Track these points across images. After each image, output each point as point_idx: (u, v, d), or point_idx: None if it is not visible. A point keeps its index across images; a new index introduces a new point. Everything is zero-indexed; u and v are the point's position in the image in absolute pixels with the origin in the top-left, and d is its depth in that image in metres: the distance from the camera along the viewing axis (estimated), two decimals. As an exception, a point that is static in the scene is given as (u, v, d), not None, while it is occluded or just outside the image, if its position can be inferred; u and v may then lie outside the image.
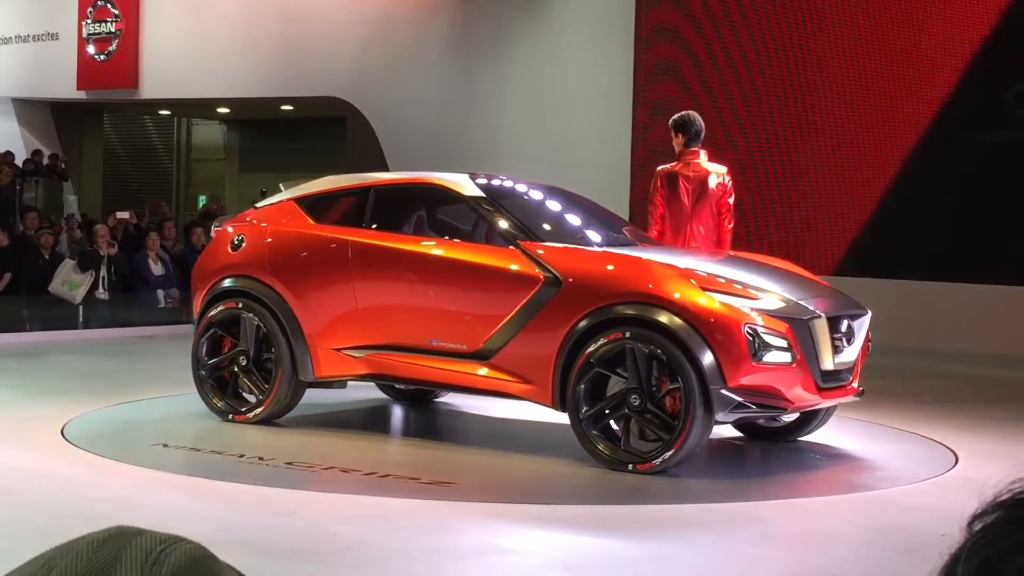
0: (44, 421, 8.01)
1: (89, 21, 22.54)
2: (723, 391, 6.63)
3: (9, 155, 22.11)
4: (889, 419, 8.94)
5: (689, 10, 15.58)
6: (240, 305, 8.20)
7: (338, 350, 7.89)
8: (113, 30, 22.18)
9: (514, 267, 7.25)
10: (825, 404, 7.35)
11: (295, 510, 5.99)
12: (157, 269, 14.80)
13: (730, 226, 8.76)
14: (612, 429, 6.90)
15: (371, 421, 8.68)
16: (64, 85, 23.00)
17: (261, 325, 8.10)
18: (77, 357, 11.82)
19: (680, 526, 5.96)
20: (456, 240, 7.68)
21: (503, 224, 7.50)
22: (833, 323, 7.07)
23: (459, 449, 7.87)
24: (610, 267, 7.11)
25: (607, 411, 6.89)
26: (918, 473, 7.23)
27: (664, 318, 6.73)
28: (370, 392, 9.16)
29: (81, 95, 23.10)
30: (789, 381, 6.81)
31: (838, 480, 7.17)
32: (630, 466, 6.76)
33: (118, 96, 22.95)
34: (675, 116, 8.89)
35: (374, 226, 8.01)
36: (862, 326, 7.38)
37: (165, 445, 7.37)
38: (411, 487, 6.54)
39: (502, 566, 5.20)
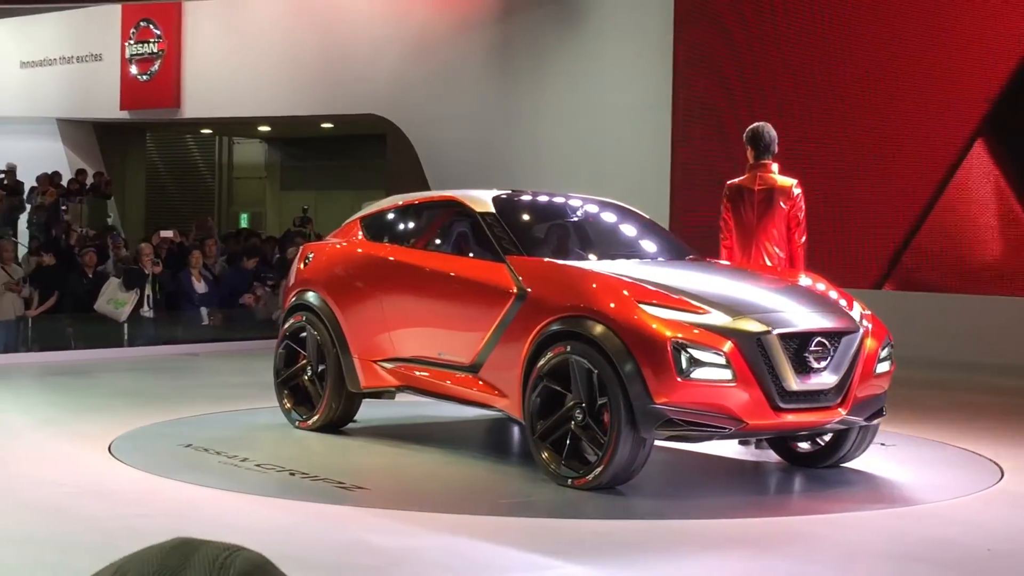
0: (91, 438, 8.10)
1: (132, 42, 22.80)
2: (649, 407, 6.41)
3: (56, 175, 22.38)
4: (933, 433, 8.90)
5: (726, 23, 15.59)
6: (304, 319, 8.60)
7: (375, 362, 8.17)
8: (155, 51, 22.42)
9: (498, 281, 7.33)
10: (798, 426, 6.80)
11: (340, 525, 6.02)
12: (200, 287, 14.93)
13: (802, 240, 8.27)
14: (562, 443, 6.80)
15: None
16: (107, 105, 23.27)
17: (319, 338, 8.41)
18: (123, 375, 11.94)
19: (721, 541, 5.96)
20: (457, 255, 7.86)
21: (497, 239, 7.61)
22: (803, 340, 6.66)
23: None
24: (564, 281, 7.09)
25: (558, 425, 6.81)
26: (963, 487, 7.19)
27: (594, 331, 6.63)
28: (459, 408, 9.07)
29: (124, 115, 23.36)
30: (731, 399, 6.44)
31: (881, 494, 7.11)
32: (569, 481, 6.69)
33: (160, 116, 23.20)
34: (748, 128, 8.57)
35: (409, 243, 8.35)
36: (849, 345, 6.83)
37: (209, 455, 7.45)
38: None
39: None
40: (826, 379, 6.72)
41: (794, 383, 6.58)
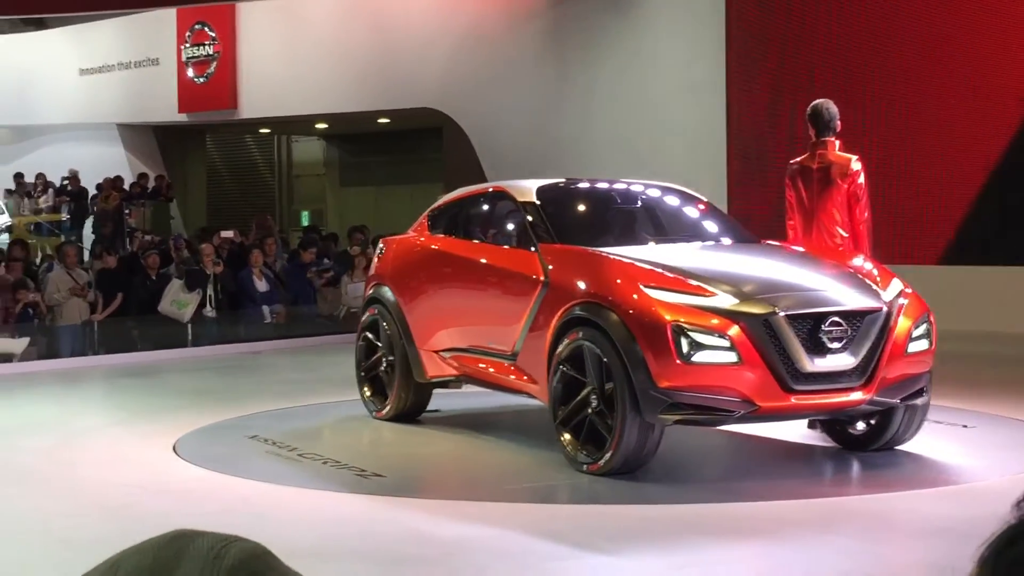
0: (156, 437, 8.23)
1: (187, 45, 23.03)
2: (652, 392, 6.34)
3: (118, 180, 22.69)
4: (995, 407, 8.80)
5: (779, 3, 15.47)
6: (376, 312, 8.80)
7: (436, 352, 8.28)
8: (211, 53, 22.63)
9: (529, 270, 7.37)
10: (816, 408, 6.64)
11: (397, 517, 6.07)
12: (262, 286, 15.06)
13: (864, 216, 8.05)
14: (582, 429, 6.79)
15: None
16: (166, 109, 23.53)
17: (388, 330, 8.62)
18: (187, 375, 12.09)
19: (776, 523, 5.92)
20: (502, 246, 7.90)
21: (533, 228, 7.64)
22: (817, 321, 6.46)
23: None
24: (580, 267, 7.08)
25: (577, 411, 6.80)
26: (1025, 462, 7.12)
27: (602, 317, 6.60)
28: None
29: (183, 118, 23.60)
30: (738, 382, 6.32)
31: (939, 472, 7.02)
32: (584, 467, 6.70)
33: (219, 117, 23.41)
34: (809, 106, 8.36)
35: (462, 235, 8.46)
36: (872, 325, 6.59)
37: (271, 451, 7.53)
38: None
39: (599, 567, 5.24)
40: (845, 360, 6.51)
41: (808, 364, 6.41)
